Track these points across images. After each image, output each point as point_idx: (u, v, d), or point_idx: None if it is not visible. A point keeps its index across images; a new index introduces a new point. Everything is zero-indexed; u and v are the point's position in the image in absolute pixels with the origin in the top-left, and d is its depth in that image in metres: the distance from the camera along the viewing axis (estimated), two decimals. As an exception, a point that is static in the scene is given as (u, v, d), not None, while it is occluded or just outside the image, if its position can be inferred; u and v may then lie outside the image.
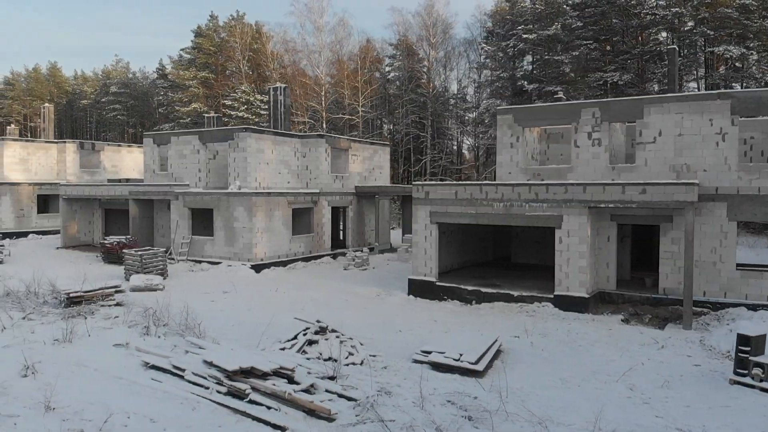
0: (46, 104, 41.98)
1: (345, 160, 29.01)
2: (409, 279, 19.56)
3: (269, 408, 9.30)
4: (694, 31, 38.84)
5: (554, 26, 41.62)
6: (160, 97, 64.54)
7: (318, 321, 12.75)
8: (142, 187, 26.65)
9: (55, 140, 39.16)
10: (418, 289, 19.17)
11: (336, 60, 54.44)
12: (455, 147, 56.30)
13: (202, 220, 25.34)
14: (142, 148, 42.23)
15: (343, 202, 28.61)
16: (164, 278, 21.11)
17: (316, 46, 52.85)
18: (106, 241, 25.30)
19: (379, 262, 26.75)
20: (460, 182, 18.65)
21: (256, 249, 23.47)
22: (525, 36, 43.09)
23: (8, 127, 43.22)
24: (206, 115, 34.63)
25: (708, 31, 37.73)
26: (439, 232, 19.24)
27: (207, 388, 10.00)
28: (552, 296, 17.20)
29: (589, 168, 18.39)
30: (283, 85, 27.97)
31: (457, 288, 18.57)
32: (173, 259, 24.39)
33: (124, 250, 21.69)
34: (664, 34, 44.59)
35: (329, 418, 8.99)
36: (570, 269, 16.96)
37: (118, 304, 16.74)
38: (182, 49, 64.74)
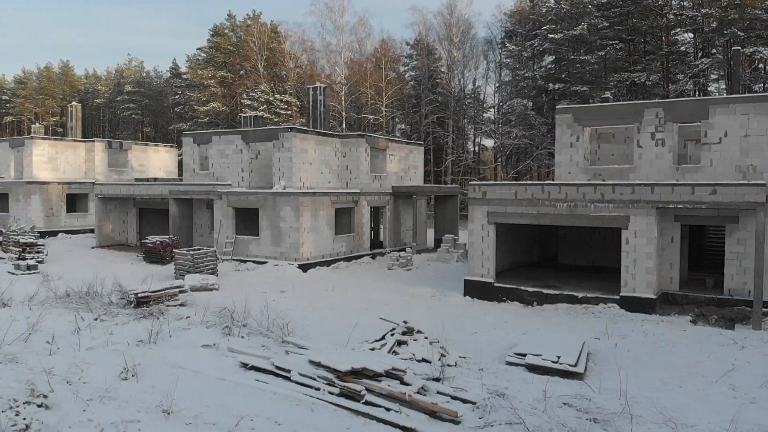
0: (74, 103, 41.80)
1: (383, 160, 28.89)
2: (464, 280, 19.41)
3: (388, 410, 9.18)
4: (725, 32, 38.71)
5: (580, 26, 41.50)
6: (177, 96, 64.33)
7: (405, 322, 12.62)
8: (184, 186, 26.51)
9: (83, 139, 38.98)
10: (475, 290, 19.03)
11: (356, 60, 54.31)
12: (476, 147, 56.21)
13: (244, 220, 25.20)
14: (168, 148, 42.20)
15: (381, 202, 28.49)
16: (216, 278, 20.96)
17: (337, 46, 52.76)
18: (147, 241, 25.15)
19: (419, 262, 26.60)
20: (521, 182, 18.50)
21: (302, 249, 23.35)
22: (551, 36, 42.96)
23: (33, 126, 42.98)
24: (243, 114, 34.51)
25: (738, 32, 37.61)
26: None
27: (317, 389, 9.87)
28: (617, 297, 17.07)
29: (653, 168, 18.28)
30: (323, 85, 27.87)
31: (517, 289, 18.43)
32: (217, 258, 24.21)
33: (174, 250, 21.56)
34: (690, 35, 44.54)
35: (455, 421, 8.86)
36: (637, 270, 16.83)
37: (181, 305, 16.63)
38: (199, 48, 64.60)
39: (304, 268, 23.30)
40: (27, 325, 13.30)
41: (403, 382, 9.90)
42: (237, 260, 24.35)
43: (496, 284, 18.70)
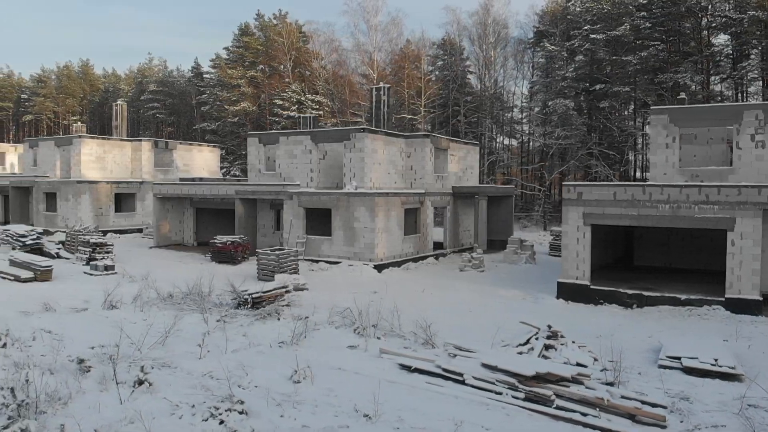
0: (119, 101, 41.65)
1: (444, 160, 28.78)
2: (558, 282, 19.29)
3: (584, 414, 9.06)
4: (772, 33, 38.67)
5: (623, 26, 41.39)
6: (205, 96, 64.06)
7: (549, 326, 12.50)
8: (251, 186, 26.36)
9: (130, 138, 38.84)
10: (569, 292, 18.89)
11: (389, 60, 54.19)
12: (516, 147, 56.03)
13: (314, 220, 25.06)
14: (211, 148, 42.10)
15: (442, 203, 28.36)
16: (298, 278, 20.83)
17: (370, 45, 52.62)
18: (216, 241, 25.00)
19: (486, 263, 26.42)
20: (620, 183, 18.40)
21: (377, 249, 23.22)
22: (592, 36, 42.86)
23: (74, 125, 42.73)
24: (302, 115, 34.35)
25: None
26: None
27: (499, 393, 9.75)
28: (722, 299, 16.94)
29: (752, 170, 18.17)
30: (387, 85, 27.75)
31: (616, 291, 18.30)
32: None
33: (258, 250, 21.42)
34: (727, 37, 44.45)
35: (660, 425, 8.74)
36: (743, 272, 16.70)
37: (287, 305, 16.50)
38: (225, 48, 64.50)
39: (379, 268, 23.17)
40: (151, 327, 13.04)
41: (587, 388, 9.78)
42: (308, 260, 24.18)
43: (592, 287, 18.56)
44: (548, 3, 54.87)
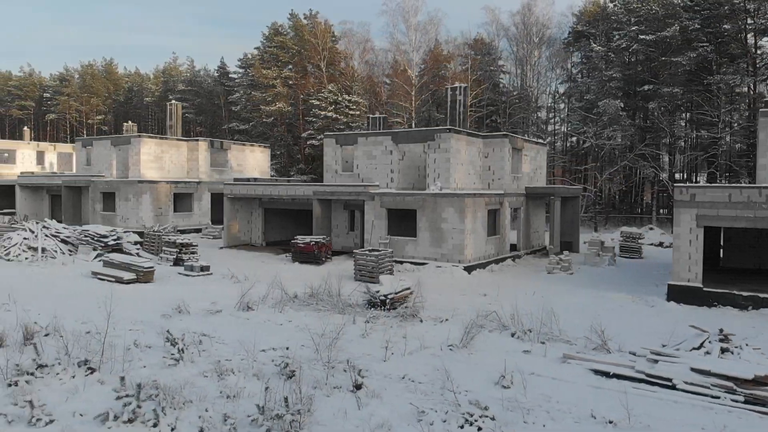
0: (174, 101, 41.53)
1: (518, 160, 28.74)
2: (669, 284, 19.24)
3: (815, 418, 9.06)
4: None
5: (674, 27, 41.39)
6: (237, 95, 63.93)
7: (720, 330, 12.46)
8: (330, 187, 26.29)
9: (185, 138, 38.74)
10: (680, 294, 18.83)
11: (428, 59, 54.13)
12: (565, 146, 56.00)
13: (390, 221, 24.95)
14: (262, 148, 42.04)
15: (517, 203, 28.31)
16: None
17: (409, 46, 52.57)
18: (298, 241, 24.94)
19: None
20: (735, 185, 18.37)
21: (466, 250, 23.17)
22: (641, 37, 42.86)
23: (125, 124, 42.61)
24: (370, 116, 34.27)
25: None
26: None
27: (715, 397, 9.73)
28: (843, 302, 16.94)
29: None
30: (463, 85, 27.68)
31: (730, 293, 18.28)
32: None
33: (356, 251, 21.36)
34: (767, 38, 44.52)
35: None
36: None
37: (413, 306, 16.42)
38: (256, 48, 64.40)
39: (468, 270, 23.12)
40: (325, 329, 12.85)
41: (801, 391, 9.76)
42: (393, 261, 24.09)
43: (705, 289, 18.52)
44: (586, 3, 54.93)
